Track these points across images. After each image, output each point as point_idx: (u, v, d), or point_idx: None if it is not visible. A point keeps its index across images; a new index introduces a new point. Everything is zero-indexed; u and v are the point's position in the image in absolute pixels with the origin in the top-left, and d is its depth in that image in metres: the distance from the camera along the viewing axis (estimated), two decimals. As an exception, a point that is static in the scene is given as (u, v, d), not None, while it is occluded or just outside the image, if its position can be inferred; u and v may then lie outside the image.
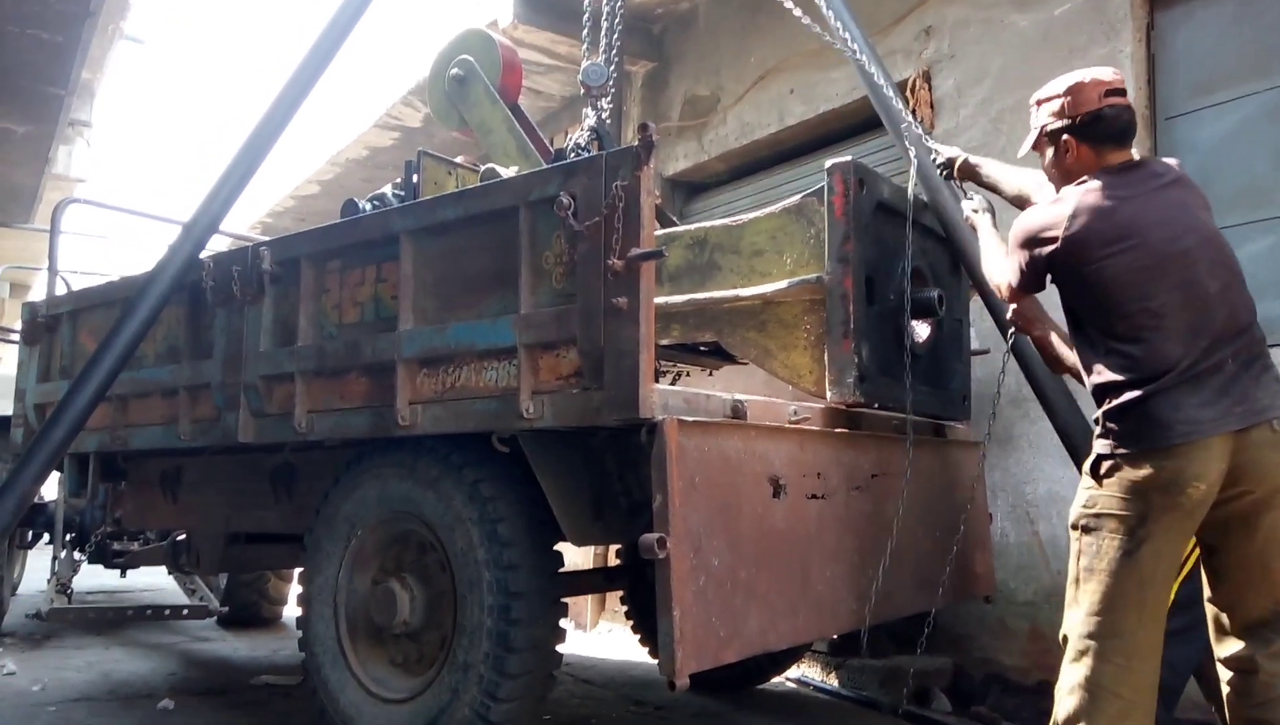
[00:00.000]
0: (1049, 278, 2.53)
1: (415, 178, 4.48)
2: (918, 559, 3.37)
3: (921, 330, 3.66)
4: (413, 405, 3.00)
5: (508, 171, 4.13)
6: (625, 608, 4.71)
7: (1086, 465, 2.42)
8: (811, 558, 2.88)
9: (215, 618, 6.39)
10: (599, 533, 3.11)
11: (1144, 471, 2.28)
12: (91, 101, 9.13)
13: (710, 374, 4.57)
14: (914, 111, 4.81)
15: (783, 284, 3.37)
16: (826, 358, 3.22)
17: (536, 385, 2.73)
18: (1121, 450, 2.32)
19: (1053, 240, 2.42)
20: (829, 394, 3.19)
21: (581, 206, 2.62)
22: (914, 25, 5.10)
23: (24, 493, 3.39)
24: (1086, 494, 2.40)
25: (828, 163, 3.33)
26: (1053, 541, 4.23)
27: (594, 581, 4.69)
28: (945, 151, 3.49)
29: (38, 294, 14.72)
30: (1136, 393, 2.29)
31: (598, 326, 2.56)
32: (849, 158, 3.35)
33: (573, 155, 4.09)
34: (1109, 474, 2.33)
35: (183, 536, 5.05)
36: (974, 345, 4.13)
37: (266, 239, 6.12)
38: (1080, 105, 2.49)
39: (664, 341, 3.62)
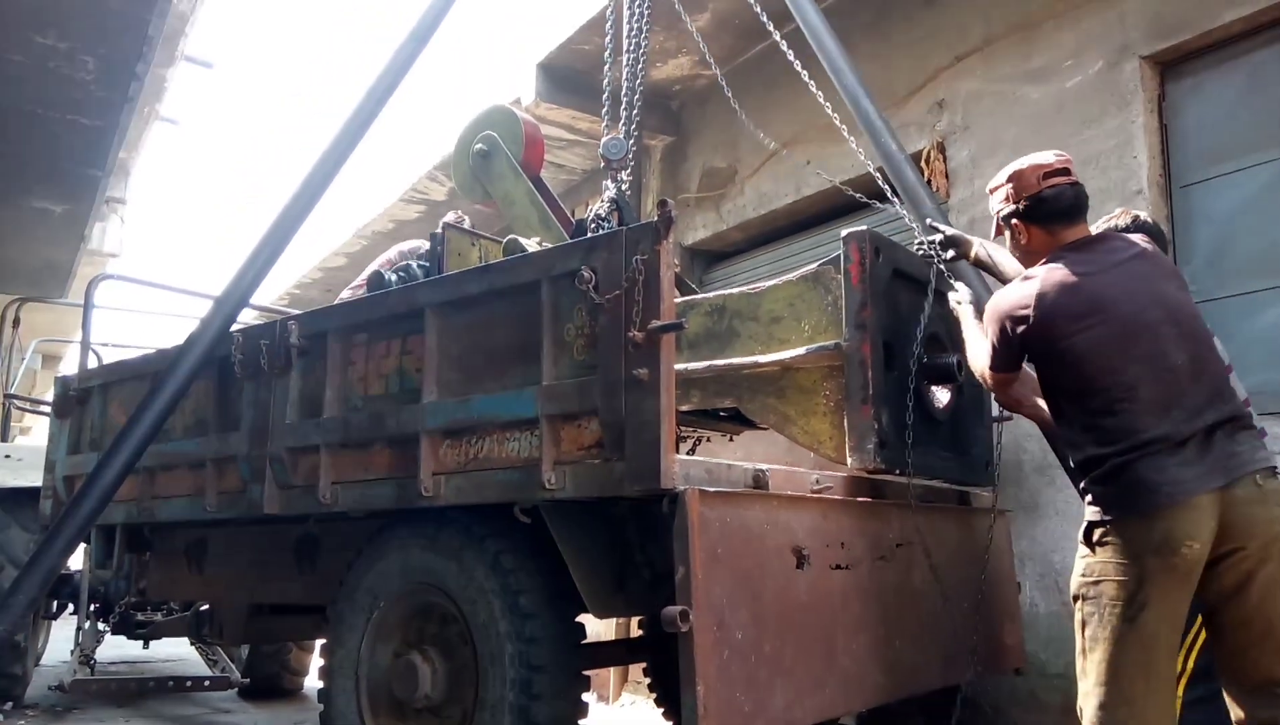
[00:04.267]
0: (1024, 357, 2.60)
1: (440, 250, 4.57)
2: (945, 630, 3.32)
3: (942, 396, 3.66)
4: (436, 476, 3.03)
5: (530, 242, 4.22)
6: (648, 679, 4.64)
7: (1080, 534, 2.45)
8: (837, 630, 2.85)
9: (237, 689, 6.34)
10: (621, 604, 3.09)
11: (1136, 535, 2.31)
12: (127, 180, 9.42)
13: (731, 439, 4.57)
14: (929, 182, 4.88)
15: (801, 350, 3.39)
16: (846, 424, 3.23)
17: (558, 456, 2.75)
18: (1110, 516, 2.35)
19: (1024, 319, 2.49)
20: (850, 461, 3.19)
21: (603, 280, 2.67)
22: (928, 98, 5.20)
23: (52, 565, 3.42)
24: (1083, 563, 2.43)
25: (844, 231, 3.37)
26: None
27: (616, 653, 4.63)
28: (947, 230, 3.51)
29: (69, 365, 14.97)
30: (1119, 460, 2.33)
31: (619, 397, 2.59)
32: (864, 227, 3.39)
33: (593, 227, 4.17)
34: (1102, 541, 2.37)
35: (206, 607, 5.05)
36: (995, 411, 4.11)
37: (294, 311, 6.25)
38: (1022, 190, 2.64)
39: (684, 407, 3.64)
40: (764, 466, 2.84)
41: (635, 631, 4.79)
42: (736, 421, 4.06)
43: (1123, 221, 3.09)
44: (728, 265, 7.20)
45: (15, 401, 7.77)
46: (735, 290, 3.73)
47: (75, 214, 7.68)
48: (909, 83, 5.30)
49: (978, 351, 2.88)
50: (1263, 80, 4.05)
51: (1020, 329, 2.51)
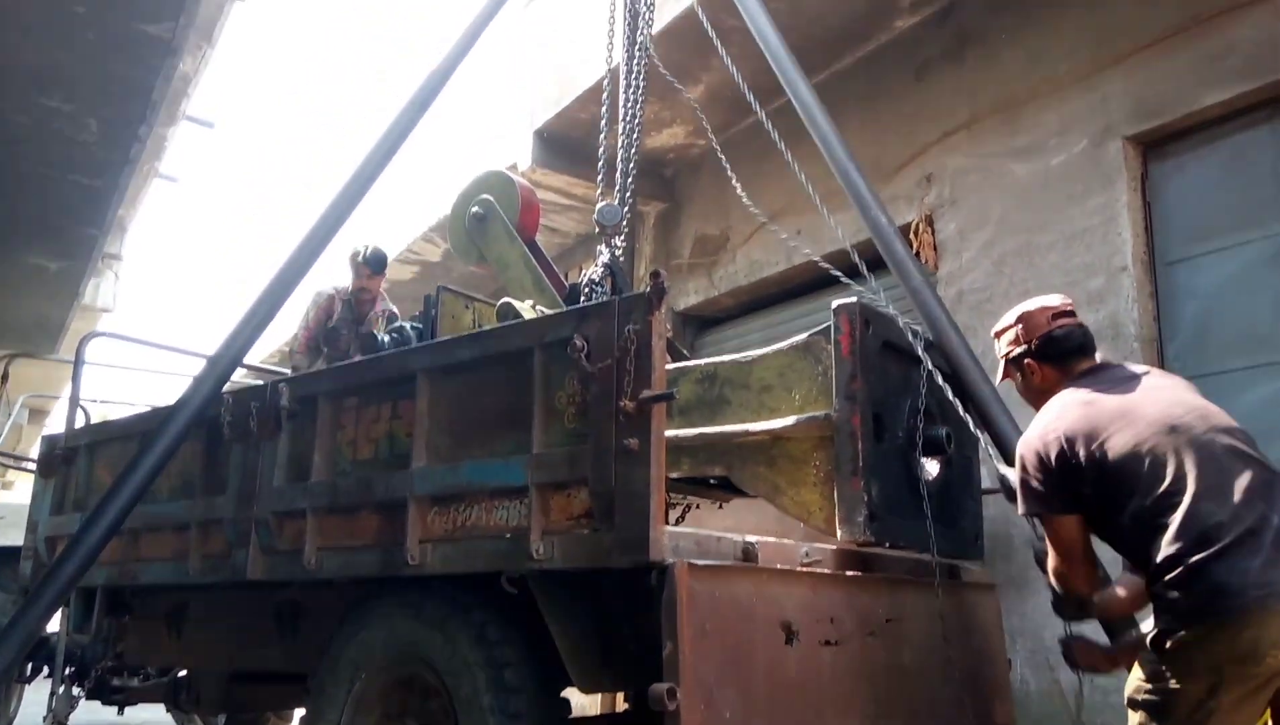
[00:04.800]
0: (1070, 486, 2.46)
1: (434, 313, 4.60)
2: (935, 708, 3.27)
3: (931, 468, 3.66)
4: (423, 543, 3.00)
5: (524, 306, 4.25)
6: (634, 754, 4.54)
7: (1148, 638, 2.30)
8: (826, 707, 2.80)
9: (211, 759, 6.17)
10: (607, 679, 3.04)
11: (1218, 643, 2.15)
12: (123, 236, 9.48)
13: (720, 507, 4.54)
14: (918, 253, 4.95)
15: (791, 420, 3.40)
16: (836, 495, 3.22)
17: (547, 525, 2.73)
18: (1187, 624, 2.19)
19: (1055, 440, 2.44)
20: (839, 532, 3.17)
21: (594, 349, 2.68)
22: (916, 172, 5.31)
23: (30, 630, 3.36)
24: (1149, 668, 2.28)
25: (834, 303, 3.41)
26: (1074, 690, 4.10)
27: (602, 727, 4.53)
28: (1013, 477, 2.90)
29: (56, 418, 14.87)
30: (1194, 559, 2.18)
31: (609, 467, 2.58)
32: (855, 299, 3.43)
33: (587, 291, 4.21)
34: (1176, 649, 2.21)
35: (184, 673, 4.94)
36: (984, 483, 4.11)
37: (285, 370, 6.25)
38: (1033, 330, 2.70)
39: (674, 474, 3.62)
40: (753, 538, 2.82)
41: (621, 705, 4.70)
42: (726, 489, 4.05)
43: None
44: (719, 330, 7.25)
45: (0, 458, 7.69)
46: (726, 358, 3.74)
47: (71, 271, 7.72)
48: (898, 157, 5.41)
49: (1049, 558, 2.65)
50: (1242, 162, 4.15)
51: (1053, 452, 2.43)
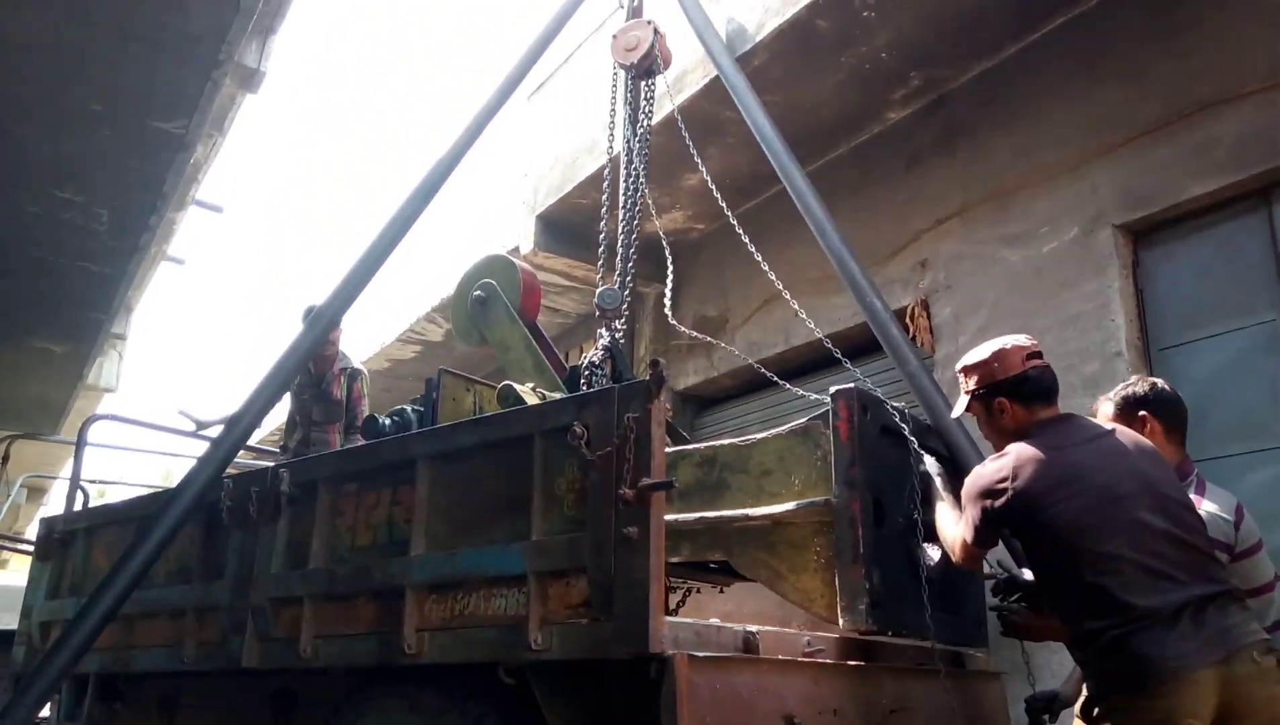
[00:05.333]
0: (1005, 531, 2.65)
1: (435, 396, 4.62)
2: (942, 802, 3.19)
3: (933, 553, 3.64)
4: (420, 632, 2.97)
5: (525, 388, 4.28)
6: (634, 850, 4.40)
7: (1077, 707, 2.44)
8: (829, 803, 2.74)
9: None
10: (607, 772, 2.97)
11: (1137, 712, 2.28)
12: (129, 316, 9.57)
13: (721, 591, 4.50)
14: (914, 338, 5.01)
15: (791, 505, 3.39)
16: (838, 582, 3.19)
17: (545, 614, 2.70)
18: (1110, 692, 2.33)
19: (1002, 492, 2.53)
20: (841, 620, 3.14)
21: (594, 436, 2.69)
22: (911, 257, 5.41)
23: (24, 719, 3.30)
24: None
25: (832, 388, 3.43)
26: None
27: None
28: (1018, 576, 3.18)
29: (55, 497, 14.79)
30: (1116, 634, 2.32)
31: (608, 555, 2.57)
32: (853, 385, 3.46)
33: (587, 374, 4.24)
34: (1101, 717, 2.35)
35: (174, 763, 4.82)
36: (987, 568, 4.08)
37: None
38: (1007, 368, 2.75)
39: (674, 559, 3.60)
40: (754, 628, 2.80)
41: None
42: (727, 573, 4.01)
43: (1140, 388, 3.05)
44: (718, 410, 7.28)
45: (-2, 539, 7.64)
46: (725, 442, 3.75)
47: (76, 353, 7.78)
48: (892, 242, 5.51)
49: (949, 524, 2.91)
50: (1231, 250, 4.24)
51: (999, 503, 2.55)
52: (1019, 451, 2.57)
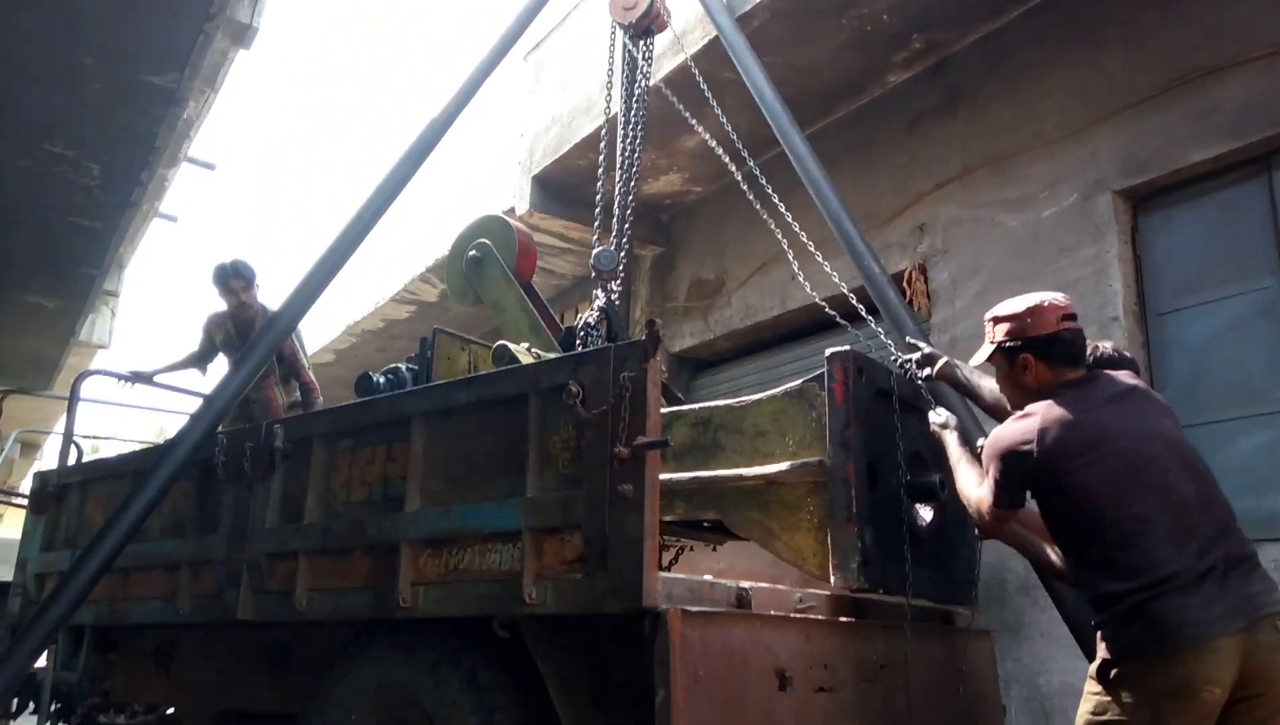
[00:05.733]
0: (1028, 493, 2.56)
1: (429, 354, 4.62)
2: (929, 757, 3.25)
3: (925, 514, 3.67)
4: (415, 586, 2.99)
5: (519, 348, 4.27)
6: (625, 802, 4.48)
7: (1092, 669, 2.38)
8: (819, 755, 2.78)
9: (195, 803, 6.06)
10: (600, 724, 3.02)
11: (1155, 677, 2.24)
12: (120, 273, 9.50)
13: (714, 549, 4.53)
14: (911, 302, 5.01)
15: (785, 465, 3.41)
16: (830, 541, 3.22)
17: (540, 570, 2.73)
18: (1128, 656, 2.29)
19: (1028, 454, 2.46)
20: (833, 579, 3.17)
21: (590, 395, 2.70)
22: (909, 222, 5.39)
23: (19, 668, 3.33)
24: (1094, 700, 2.35)
25: (828, 350, 3.44)
26: (1068, 738, 4.07)
27: (593, 773, 4.48)
28: (925, 348, 3.52)
29: (48, 453, 14.78)
30: (1138, 598, 2.27)
31: (603, 512, 2.59)
32: (848, 347, 3.46)
33: (582, 335, 4.24)
34: (1118, 680, 2.29)
35: (172, 711, 4.88)
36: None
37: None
38: (1040, 326, 2.63)
39: (668, 518, 3.62)
40: (747, 584, 2.82)
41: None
42: (720, 532, 4.05)
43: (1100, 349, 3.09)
44: (714, 373, 7.29)
45: (-9, 493, 7.65)
46: (720, 403, 3.77)
47: (68, 309, 7.74)
48: (891, 206, 5.49)
49: (970, 484, 2.80)
50: (1231, 216, 4.23)
51: (1024, 465, 2.47)
52: (1045, 412, 2.48)
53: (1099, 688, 2.34)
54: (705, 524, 3.88)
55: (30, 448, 14.56)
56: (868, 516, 3.21)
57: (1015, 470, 2.50)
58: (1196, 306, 4.25)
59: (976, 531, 3.05)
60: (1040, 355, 2.62)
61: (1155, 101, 4.44)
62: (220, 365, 6.13)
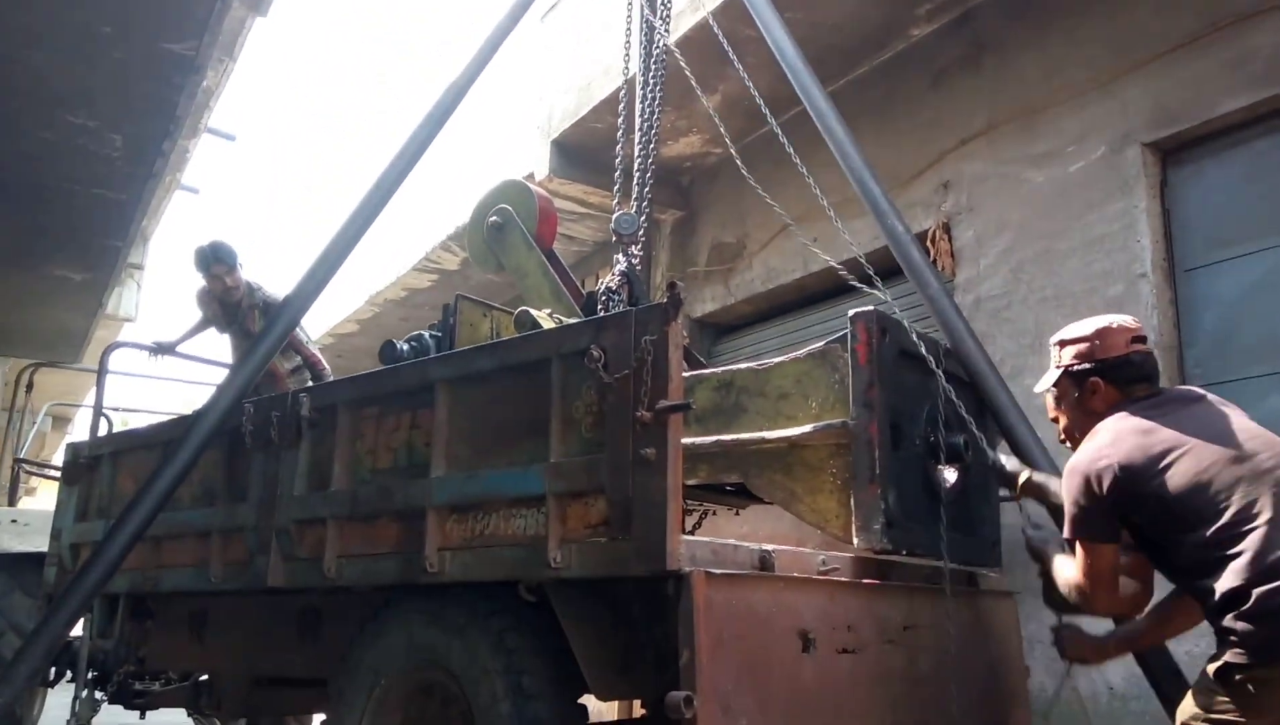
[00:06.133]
0: (1119, 516, 2.38)
1: (452, 321, 4.63)
2: (953, 716, 3.26)
3: (949, 475, 3.65)
4: (441, 552, 3.02)
5: (541, 314, 4.27)
6: (651, 761, 4.54)
7: (1211, 669, 2.19)
8: (843, 715, 2.80)
9: (232, 763, 6.21)
10: (625, 686, 3.05)
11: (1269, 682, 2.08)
12: (145, 246, 9.59)
13: (737, 513, 4.54)
14: (935, 261, 4.95)
15: (808, 428, 3.40)
16: (853, 503, 3.21)
17: (565, 534, 2.74)
18: (1262, 659, 2.10)
19: (1107, 468, 2.33)
20: (856, 540, 3.17)
21: (611, 359, 2.70)
22: (933, 179, 5.30)
23: (55, 636, 3.41)
24: (1209, 697, 2.19)
25: (851, 311, 3.41)
26: (1092, 698, 4.07)
27: (619, 734, 4.54)
28: (1005, 463, 3.25)
29: (79, 426, 15.05)
30: (1261, 591, 2.09)
31: (626, 476, 2.59)
32: (871, 307, 3.43)
33: (604, 299, 4.23)
34: (1245, 683, 2.12)
35: (205, 678, 4.99)
36: (1002, 491, 4.09)
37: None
38: (1109, 349, 2.56)
39: (691, 481, 3.63)
40: (770, 547, 2.83)
41: (638, 712, 4.71)
42: (743, 496, 4.05)
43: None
44: (735, 337, 7.26)
45: (25, 466, 7.80)
46: (743, 366, 3.75)
47: (94, 282, 7.81)
48: (915, 164, 5.41)
49: (1067, 568, 2.58)
50: (1263, 168, 4.13)
51: (1106, 482, 2.33)
52: (1113, 426, 2.40)
53: (1218, 686, 2.17)
54: (728, 488, 3.89)
55: (61, 421, 14.83)
56: (891, 478, 3.20)
57: (1099, 489, 2.34)
58: (1226, 261, 4.17)
59: (1002, 489, 2.92)
60: (1109, 378, 2.55)
61: (1187, 50, 4.32)
62: (216, 336, 6.25)
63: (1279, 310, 3.97)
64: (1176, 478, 2.26)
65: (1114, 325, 2.60)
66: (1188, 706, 2.27)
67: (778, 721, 2.56)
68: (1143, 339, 2.59)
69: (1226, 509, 2.19)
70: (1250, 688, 2.11)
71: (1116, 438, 2.37)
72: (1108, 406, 2.52)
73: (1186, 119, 4.28)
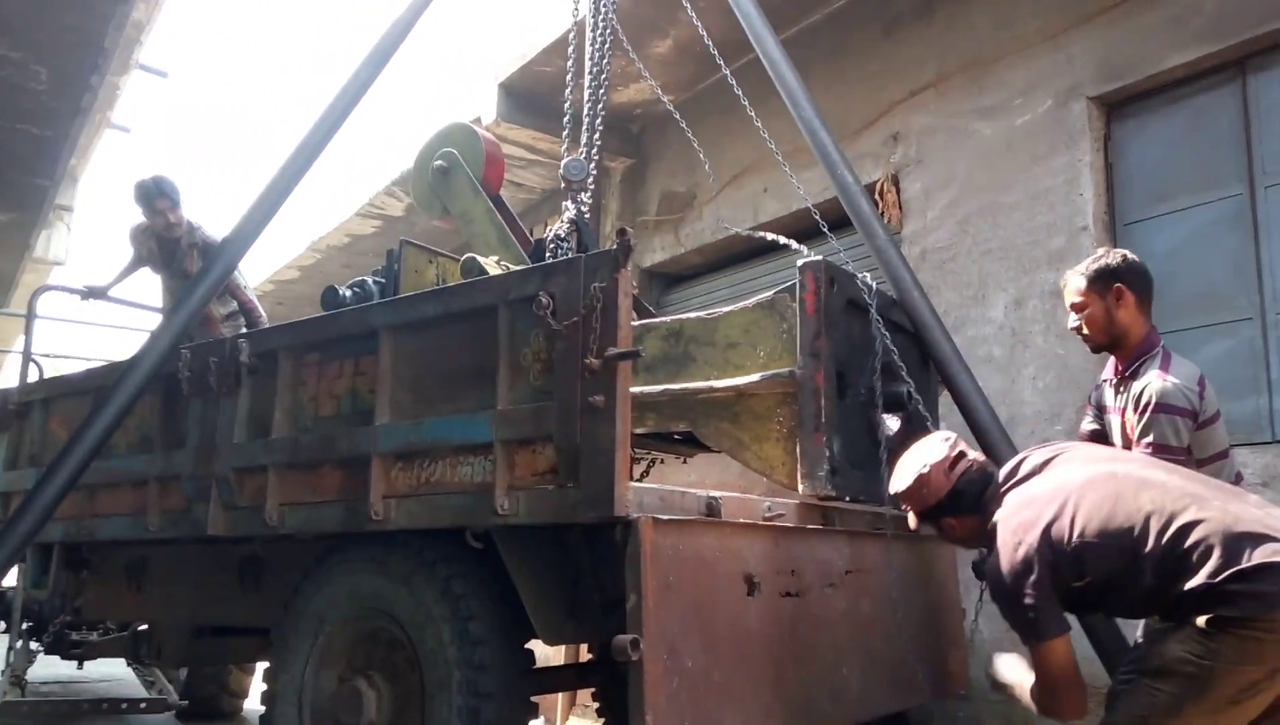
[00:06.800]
0: (1058, 594, 2.35)
1: (396, 267, 4.54)
2: (893, 657, 3.35)
3: (892, 423, 3.71)
4: (386, 499, 2.99)
5: (488, 261, 4.20)
6: (597, 704, 4.62)
7: (1202, 621, 2.16)
8: (786, 657, 2.86)
9: (174, 711, 6.18)
10: (571, 630, 3.07)
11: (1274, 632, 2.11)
12: (74, 187, 9.21)
13: (685, 462, 4.58)
14: (883, 213, 4.97)
15: (755, 377, 3.42)
16: (799, 450, 3.25)
17: (512, 481, 2.73)
18: (1259, 611, 2.11)
19: (1028, 558, 2.31)
20: (801, 487, 3.21)
21: (560, 306, 2.67)
22: (882, 131, 5.31)
23: (-15, 586, 3.32)
24: (1195, 643, 2.17)
25: (799, 261, 3.41)
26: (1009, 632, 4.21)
27: (565, 678, 4.59)
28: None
29: (8, 374, 14.55)
30: (1253, 552, 2.12)
31: (574, 424, 2.58)
32: (820, 257, 3.44)
33: (552, 246, 4.17)
34: (1239, 633, 2.12)
35: (144, 627, 4.92)
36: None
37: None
38: (937, 491, 2.57)
39: (639, 430, 3.64)
40: (717, 494, 2.85)
41: (585, 655, 4.77)
42: (691, 444, 4.08)
43: (1112, 260, 3.01)
44: (685, 287, 7.26)
45: (-50, 412, 7.52)
46: (692, 315, 3.75)
47: (21, 222, 7.52)
48: (864, 115, 5.40)
49: (1030, 681, 2.56)
50: (1203, 123, 4.20)
51: (1035, 570, 2.29)
52: (1004, 516, 2.43)
53: (1211, 632, 2.15)
54: (676, 436, 3.90)
55: (-10, 367, 14.31)
56: (836, 425, 3.23)
57: (1036, 579, 2.29)
58: (1165, 215, 4.26)
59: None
60: (954, 513, 2.59)
61: (1133, 5, 4.36)
62: (149, 276, 6.00)
63: (1215, 263, 4.08)
64: (1087, 523, 2.27)
65: (925, 469, 2.58)
66: (1172, 649, 2.20)
67: (722, 663, 2.60)
68: (959, 458, 2.58)
69: (1150, 521, 2.22)
70: (1244, 637, 2.11)
71: (1017, 528, 2.36)
72: (976, 525, 2.55)
73: (1131, 73, 4.32)
